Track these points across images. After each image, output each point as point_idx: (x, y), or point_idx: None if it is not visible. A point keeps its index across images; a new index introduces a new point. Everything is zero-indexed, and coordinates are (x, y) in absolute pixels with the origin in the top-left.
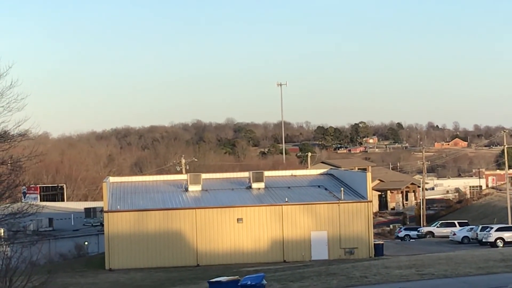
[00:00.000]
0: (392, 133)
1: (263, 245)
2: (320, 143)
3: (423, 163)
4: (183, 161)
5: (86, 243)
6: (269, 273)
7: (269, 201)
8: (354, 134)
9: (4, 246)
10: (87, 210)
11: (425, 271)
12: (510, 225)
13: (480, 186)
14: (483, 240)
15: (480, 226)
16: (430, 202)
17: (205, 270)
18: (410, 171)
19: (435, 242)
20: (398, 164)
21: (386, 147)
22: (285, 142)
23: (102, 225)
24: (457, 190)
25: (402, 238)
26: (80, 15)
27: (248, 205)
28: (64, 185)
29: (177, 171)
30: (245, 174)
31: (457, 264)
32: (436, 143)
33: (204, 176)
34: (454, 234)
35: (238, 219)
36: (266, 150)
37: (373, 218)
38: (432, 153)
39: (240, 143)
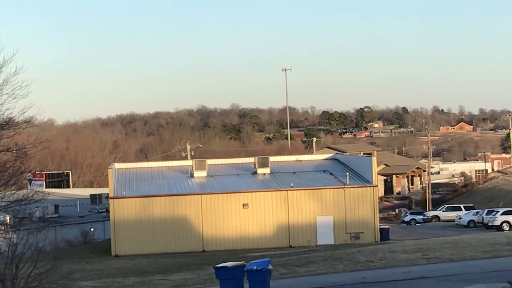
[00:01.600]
0: (397, 117)
1: (269, 231)
2: (325, 128)
3: (428, 147)
4: (188, 147)
5: (92, 229)
6: (275, 258)
7: (274, 186)
8: (359, 119)
9: (10, 233)
10: (93, 196)
11: (431, 255)
12: None
13: (486, 170)
14: (489, 224)
15: (486, 210)
16: (435, 186)
17: (211, 256)
18: (416, 156)
19: (441, 226)
20: (404, 149)
21: (391, 132)
22: (290, 127)
23: (107, 211)
24: (463, 174)
25: (408, 223)
26: (85, 1)
27: (253, 190)
28: (70, 171)
29: (182, 157)
30: (251, 159)
31: (463, 248)
32: (441, 127)
33: (209, 161)
34: (460, 218)
35: (243, 205)
36: (271, 135)
37: (379, 202)
38: (437, 137)
39: (245, 128)
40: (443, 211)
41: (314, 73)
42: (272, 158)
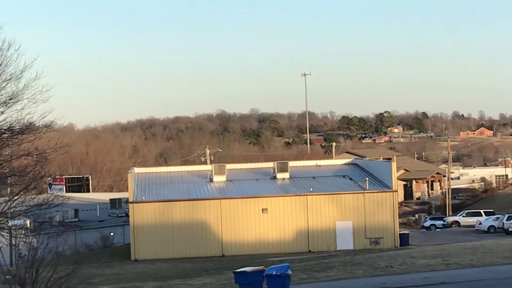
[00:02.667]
0: (417, 122)
1: (288, 235)
2: (344, 133)
3: (448, 153)
4: (208, 151)
5: (111, 234)
6: (294, 263)
7: (294, 191)
8: (379, 124)
9: (30, 237)
10: (113, 201)
11: (451, 261)
12: None
13: (506, 175)
14: (509, 230)
15: (506, 216)
16: (455, 192)
17: (230, 261)
18: (436, 161)
19: (461, 232)
20: (423, 154)
21: (411, 137)
22: (309, 132)
23: (127, 215)
24: (483, 179)
25: (428, 228)
26: (106, 5)
27: (273, 195)
28: (90, 176)
29: (201, 162)
30: (270, 164)
31: (483, 254)
32: (461, 132)
33: (228, 166)
34: (480, 224)
35: (263, 209)
36: (291, 140)
37: (398, 207)
38: (457, 142)
39: (265, 133)
40: (463, 216)
41: (334, 78)
42: (291, 163)
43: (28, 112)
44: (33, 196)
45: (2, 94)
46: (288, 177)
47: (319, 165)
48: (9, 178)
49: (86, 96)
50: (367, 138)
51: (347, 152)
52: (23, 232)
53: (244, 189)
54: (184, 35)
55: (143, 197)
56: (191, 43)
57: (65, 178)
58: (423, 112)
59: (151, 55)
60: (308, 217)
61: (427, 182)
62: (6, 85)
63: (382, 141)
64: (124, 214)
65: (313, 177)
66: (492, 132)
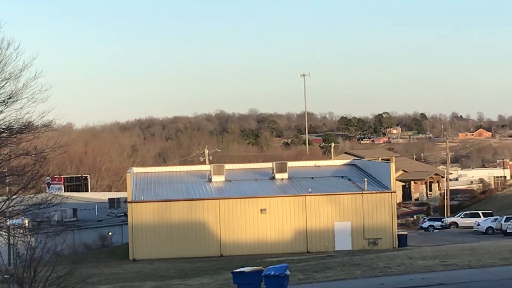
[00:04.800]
0: (415, 123)
1: (286, 236)
2: (343, 133)
3: (447, 154)
4: (207, 151)
5: (110, 233)
6: (293, 263)
7: (292, 191)
8: (378, 125)
9: (29, 236)
10: (111, 200)
11: (449, 262)
12: None
13: (505, 177)
14: (508, 231)
15: (505, 217)
16: (454, 193)
17: (228, 261)
18: (434, 162)
19: (459, 233)
20: (422, 155)
21: (409, 138)
22: (308, 133)
23: (126, 215)
24: (481, 180)
25: (426, 229)
26: (104, 5)
27: (271, 195)
28: (88, 175)
29: (200, 162)
30: (269, 164)
31: (481, 255)
32: (460, 134)
33: (227, 166)
34: (478, 225)
35: (261, 210)
36: (290, 140)
37: (397, 208)
38: (456, 144)
39: (264, 133)
40: (461, 217)
41: (333, 79)
42: (290, 163)
43: (27, 112)
44: (31, 196)
45: (1, 93)
46: (286, 177)
47: (318, 166)
48: (7, 177)
49: (85, 96)
50: (365, 139)
51: (345, 153)
52: (22, 231)
53: (243, 189)
54: (183, 35)
55: (142, 197)
56: (190, 43)
57: (64, 177)
58: (422, 113)
59: (151, 55)
60: (306, 217)
61: (426, 183)
62: (5, 84)
63: (381, 142)
64: (123, 214)
65: (312, 178)
66: (490, 133)
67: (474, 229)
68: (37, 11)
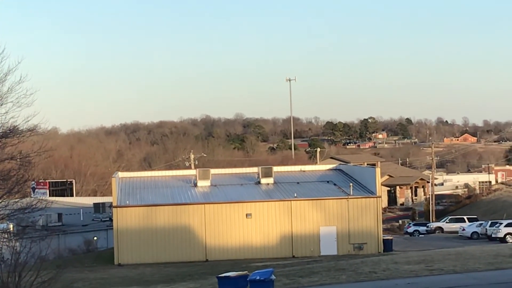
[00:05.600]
0: (401, 128)
1: (272, 241)
2: (329, 138)
3: (432, 159)
4: (192, 156)
5: (95, 238)
6: (278, 268)
7: (278, 196)
8: (363, 130)
9: (13, 241)
10: (96, 205)
11: (434, 267)
12: None
13: (490, 182)
14: (493, 236)
15: (490, 222)
16: (439, 198)
17: (214, 265)
18: (419, 167)
19: (444, 238)
20: (407, 160)
21: (395, 143)
22: (294, 138)
23: (111, 220)
24: (467, 185)
25: (411, 234)
26: (87, 10)
27: (257, 200)
28: (73, 180)
29: (186, 167)
30: (254, 169)
31: (466, 260)
32: (445, 139)
33: (213, 171)
34: (463, 230)
35: (247, 214)
36: (275, 145)
37: (382, 213)
38: (441, 149)
39: (249, 138)
40: (446, 222)
41: (319, 84)
42: (275, 168)
43: (12, 116)
44: (16, 200)
45: None
46: (272, 182)
47: (304, 171)
48: None
49: (71, 100)
50: (351, 144)
51: (331, 158)
52: (6, 236)
53: (228, 194)
54: (168, 39)
55: (127, 202)
56: (175, 47)
57: (49, 182)
58: (407, 118)
59: (136, 59)
60: (292, 222)
61: (411, 188)
62: None
63: (367, 146)
64: (108, 219)
65: (297, 183)
66: (476, 138)
67: (459, 234)
68: (22, 15)
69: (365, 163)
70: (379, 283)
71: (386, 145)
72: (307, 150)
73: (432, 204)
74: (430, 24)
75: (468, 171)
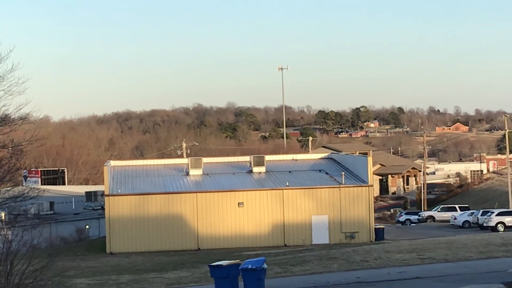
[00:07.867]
0: (393, 117)
1: (264, 229)
2: (321, 127)
3: (424, 148)
4: (184, 145)
5: (87, 226)
6: (270, 257)
7: (270, 185)
8: (355, 119)
9: (5, 230)
10: (88, 194)
11: (425, 256)
12: (511, 209)
13: (481, 171)
14: (484, 225)
15: (481, 211)
16: (431, 187)
17: (206, 254)
18: (411, 156)
19: (436, 227)
20: (399, 149)
21: (387, 132)
22: (286, 126)
23: (103, 208)
24: (458, 174)
25: (403, 223)
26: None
27: (249, 189)
28: (65, 168)
29: (178, 155)
30: (246, 158)
31: (457, 249)
32: (437, 128)
33: (205, 160)
34: (455, 219)
35: (239, 203)
36: (267, 134)
37: (374, 202)
38: (433, 138)
39: (241, 127)
40: (438, 211)
41: (311, 72)
42: (267, 157)
43: (4, 104)
44: (8, 189)
45: None
46: (264, 171)
47: (296, 159)
48: None
49: (62, 89)
50: (343, 133)
51: (323, 147)
52: None
53: (220, 183)
54: (160, 28)
55: (119, 190)
56: (167, 36)
57: (41, 170)
58: (399, 107)
59: (127, 48)
60: (284, 211)
61: (403, 177)
62: None
63: (359, 135)
64: (100, 207)
65: (289, 171)
66: (467, 127)
67: (450, 223)
68: (13, 3)
69: (357, 152)
70: (370, 272)
71: (378, 134)
72: (299, 139)
73: (423, 193)
74: (422, 14)
75: (460, 160)
